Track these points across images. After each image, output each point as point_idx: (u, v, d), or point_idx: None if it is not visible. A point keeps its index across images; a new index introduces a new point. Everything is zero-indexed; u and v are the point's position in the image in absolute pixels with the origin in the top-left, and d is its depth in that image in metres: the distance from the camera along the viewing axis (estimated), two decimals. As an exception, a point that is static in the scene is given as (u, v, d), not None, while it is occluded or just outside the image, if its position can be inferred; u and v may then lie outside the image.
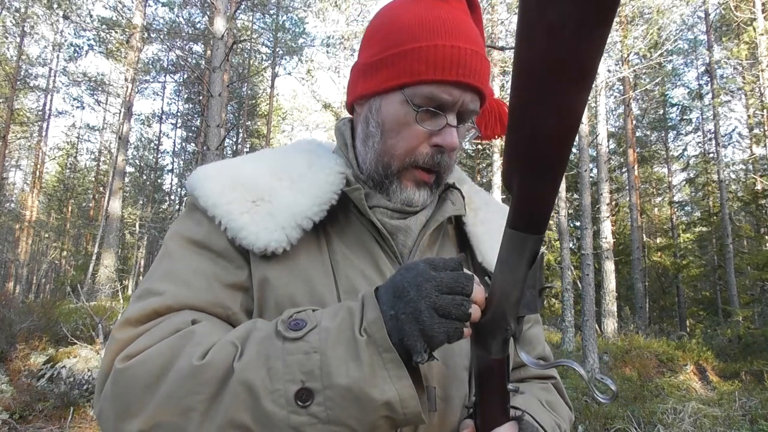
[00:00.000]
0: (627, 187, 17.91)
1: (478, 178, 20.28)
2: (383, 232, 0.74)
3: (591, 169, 13.17)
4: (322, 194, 0.73)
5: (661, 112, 21.15)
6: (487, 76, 0.74)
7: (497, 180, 14.52)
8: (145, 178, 24.55)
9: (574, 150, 17.67)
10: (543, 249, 0.54)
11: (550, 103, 0.41)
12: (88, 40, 17.92)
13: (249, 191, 0.73)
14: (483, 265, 0.81)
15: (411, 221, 0.77)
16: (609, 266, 11.23)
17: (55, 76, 21.01)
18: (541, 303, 0.57)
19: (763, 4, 13.05)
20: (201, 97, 17.53)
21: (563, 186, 12.25)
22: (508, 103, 0.44)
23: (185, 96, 23.15)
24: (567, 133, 0.42)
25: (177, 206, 24.80)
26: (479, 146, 19.42)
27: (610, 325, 11.44)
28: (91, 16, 16.67)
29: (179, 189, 25.48)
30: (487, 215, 0.86)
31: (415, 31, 0.72)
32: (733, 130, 19.12)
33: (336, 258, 0.74)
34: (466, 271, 0.59)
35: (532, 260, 0.54)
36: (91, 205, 25.70)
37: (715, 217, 17.12)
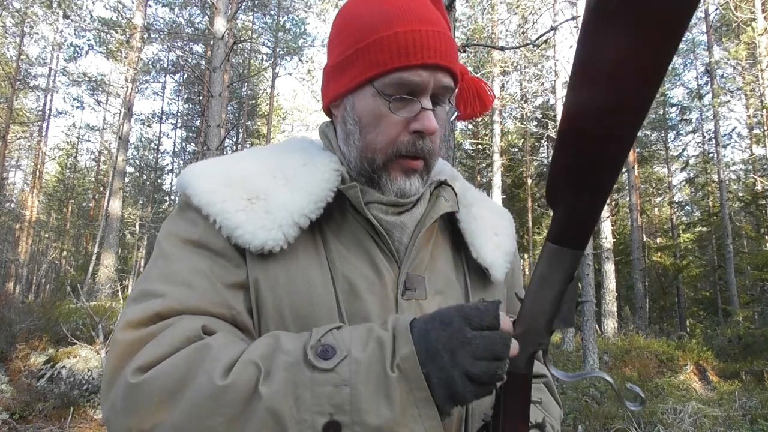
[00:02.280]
0: (627, 187, 17.90)
1: (478, 179, 20.28)
2: (379, 229, 0.74)
3: (591, 169, 13.14)
4: (318, 192, 0.72)
5: (661, 112, 21.15)
6: (453, 54, 0.74)
7: (497, 180, 14.51)
8: (145, 178, 24.57)
9: (574, 150, 17.62)
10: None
11: (618, 127, 0.44)
12: (88, 40, 17.95)
13: (243, 189, 0.72)
14: (478, 261, 0.81)
15: (406, 218, 0.77)
16: (609, 266, 11.24)
17: (55, 76, 21.02)
18: (575, 316, 0.58)
19: (762, 4, 13.05)
20: (201, 97, 17.53)
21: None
22: (559, 123, 0.48)
23: (185, 96, 23.17)
24: (625, 154, 0.46)
25: (177, 206, 24.78)
26: (479, 146, 19.44)
27: (610, 325, 11.45)
28: (91, 16, 16.69)
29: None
30: (480, 211, 0.86)
31: (375, 24, 0.72)
32: (733, 129, 19.12)
33: (332, 257, 0.73)
34: (503, 324, 0.57)
35: (574, 275, 0.55)
36: (91, 205, 25.71)
37: (715, 217, 17.12)
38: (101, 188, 24.40)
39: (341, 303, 0.70)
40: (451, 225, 0.85)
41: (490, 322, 0.57)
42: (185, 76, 21.02)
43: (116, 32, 16.21)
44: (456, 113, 0.83)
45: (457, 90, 0.80)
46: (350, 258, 0.73)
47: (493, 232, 0.85)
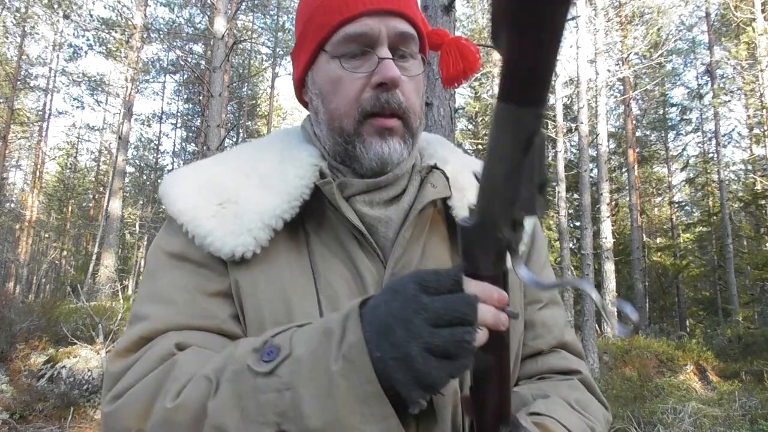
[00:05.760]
0: (627, 187, 17.91)
1: (478, 178, 20.23)
2: (360, 227, 0.67)
3: (591, 169, 13.18)
4: (291, 190, 0.67)
5: (661, 112, 21.15)
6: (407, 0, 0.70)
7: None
8: (145, 178, 24.56)
9: (574, 150, 17.70)
10: (544, 132, 0.42)
11: None
12: (88, 40, 17.95)
13: (215, 193, 0.68)
14: None
15: (392, 210, 0.70)
16: (609, 266, 11.23)
17: (55, 76, 21.01)
18: (542, 203, 0.44)
19: (762, 4, 13.06)
20: (201, 97, 17.53)
21: (563, 186, 12.25)
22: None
23: (185, 96, 23.16)
24: None
25: (177, 206, 24.79)
26: (479, 146, 19.43)
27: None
28: (91, 16, 16.70)
29: (179, 189, 25.41)
30: None
31: None
32: (733, 129, 19.09)
33: (315, 260, 0.68)
34: (466, 287, 0.48)
35: (529, 144, 0.40)
36: (91, 205, 25.70)
37: (715, 217, 17.12)
38: (101, 188, 24.38)
39: (323, 309, 0.65)
40: (446, 214, 0.76)
41: (451, 285, 0.48)
42: (185, 76, 21.01)
43: (116, 32, 16.22)
44: (429, 65, 0.78)
45: (439, 53, 0.77)
46: (332, 260, 0.68)
47: None
